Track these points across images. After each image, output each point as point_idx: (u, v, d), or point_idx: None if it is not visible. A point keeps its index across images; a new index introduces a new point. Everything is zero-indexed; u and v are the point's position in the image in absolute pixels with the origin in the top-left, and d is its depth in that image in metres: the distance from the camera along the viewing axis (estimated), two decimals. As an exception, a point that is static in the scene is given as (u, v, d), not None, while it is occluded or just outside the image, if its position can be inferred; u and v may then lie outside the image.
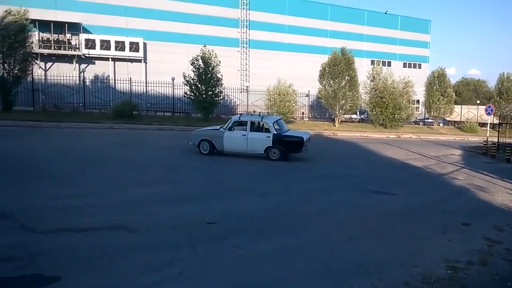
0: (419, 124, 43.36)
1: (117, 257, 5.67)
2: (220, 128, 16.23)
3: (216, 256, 5.92)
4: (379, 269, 5.78)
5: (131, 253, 5.85)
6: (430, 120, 42.79)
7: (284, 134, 15.56)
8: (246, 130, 15.44)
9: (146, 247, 6.13)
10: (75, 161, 13.18)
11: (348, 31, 51.14)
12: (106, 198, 8.90)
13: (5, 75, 25.58)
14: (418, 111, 46.13)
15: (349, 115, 39.35)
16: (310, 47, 48.51)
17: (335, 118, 35.28)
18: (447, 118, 43.78)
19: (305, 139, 15.36)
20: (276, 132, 15.28)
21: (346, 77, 33.50)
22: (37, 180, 10.29)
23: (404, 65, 57.21)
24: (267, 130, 15.37)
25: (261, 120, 15.68)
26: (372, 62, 48.03)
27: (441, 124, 43.08)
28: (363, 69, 39.43)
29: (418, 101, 45.91)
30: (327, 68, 33.89)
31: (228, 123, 16.03)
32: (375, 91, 34.79)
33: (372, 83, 35.21)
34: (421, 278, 5.55)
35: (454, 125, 44.52)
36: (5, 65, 25.58)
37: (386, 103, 33.91)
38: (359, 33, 52.77)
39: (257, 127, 15.62)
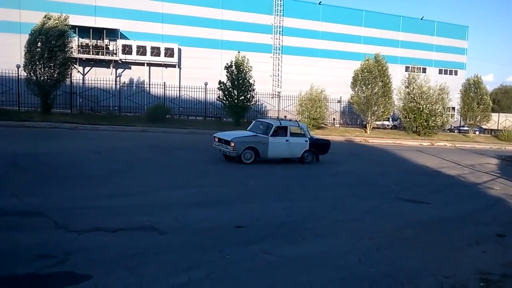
0: (454, 132, 42.26)
1: (146, 258, 5.78)
2: (257, 134, 15.59)
3: (243, 260, 5.95)
4: (409, 279, 5.66)
5: (160, 254, 5.95)
6: (465, 128, 41.57)
7: (316, 138, 17.45)
8: (287, 136, 15.67)
9: (174, 249, 6.23)
10: (109, 163, 13.54)
11: (383, 37, 50.46)
12: (137, 200, 9.08)
13: (46, 79, 26.51)
14: (453, 118, 44.93)
15: (381, 122, 38.77)
16: (343, 53, 48.13)
17: (367, 124, 34.83)
18: (484, 126, 42.38)
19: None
20: (310, 136, 16.43)
21: (380, 83, 33.04)
22: (72, 180, 10.60)
23: (440, 72, 55.89)
24: (303, 135, 16.17)
25: (299, 126, 16.80)
26: (407, 69, 47.19)
27: (477, 132, 41.80)
28: (397, 75, 38.87)
29: (453, 108, 44.74)
30: (360, 74, 33.54)
31: (268, 129, 15.53)
32: (409, 97, 34.16)
33: (407, 89, 34.60)
34: (453, 290, 5.41)
35: (491, 134, 43.12)
36: (46, 69, 26.50)
37: (421, 109, 33.24)
38: (394, 39, 51.98)
39: (297, 133, 16.22)
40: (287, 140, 15.57)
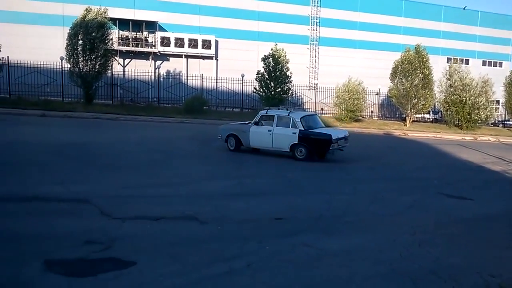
0: (498, 126, 40.67)
1: (188, 247, 5.90)
2: (248, 123, 15.31)
3: (283, 252, 5.96)
4: (453, 276, 5.52)
5: (201, 244, 6.06)
6: (510, 122, 39.97)
7: (311, 131, 14.15)
8: (272, 125, 14.37)
9: (215, 239, 6.32)
10: (150, 153, 13.86)
11: (423, 27, 48.96)
12: (178, 189, 9.28)
13: (88, 70, 27.31)
14: (498, 112, 43.21)
15: (422, 115, 37.79)
16: (382, 44, 47.08)
17: (406, 117, 34.03)
18: (531, 120, 40.67)
19: (334, 138, 13.90)
20: (303, 128, 13.98)
21: (420, 75, 32.14)
22: (115, 169, 10.94)
23: (484, 63, 53.79)
24: (294, 126, 14.07)
25: (288, 115, 14.36)
26: (448, 60, 45.65)
27: (523, 127, 40.13)
28: (438, 66, 37.65)
29: (497, 102, 43.03)
30: (399, 66, 32.74)
31: (256, 117, 15.07)
32: (451, 89, 33.11)
33: (448, 82, 33.54)
34: (499, 289, 5.25)
35: (539, 128, 41.26)
36: (88, 60, 27.28)
37: (463, 102, 32.16)
38: (435, 29, 50.34)
39: (284, 122, 14.35)
40: (269, 130, 14.30)
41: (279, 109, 16.06)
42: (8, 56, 26.97)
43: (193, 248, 5.87)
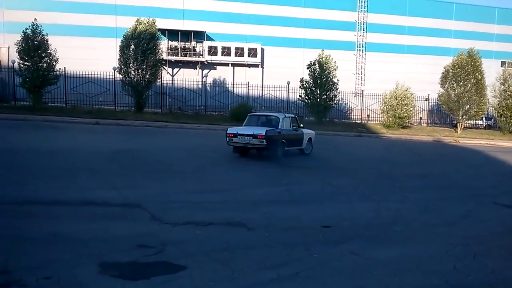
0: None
1: (236, 253, 5.97)
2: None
3: (331, 260, 5.92)
4: (511, 290, 5.29)
5: (249, 250, 6.12)
6: None
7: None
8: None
9: (262, 245, 6.36)
10: (197, 159, 14.17)
11: (475, 30, 47.08)
12: (225, 196, 9.42)
13: (139, 80, 28.28)
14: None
15: (474, 121, 36.32)
16: (431, 49, 45.68)
17: (457, 124, 32.83)
18: None
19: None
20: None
21: (472, 80, 30.97)
22: (164, 175, 11.25)
23: (541, 67, 51.03)
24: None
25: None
26: (502, 64, 43.75)
27: None
28: (491, 71, 36.09)
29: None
30: (450, 71, 31.71)
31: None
32: (505, 94, 31.65)
33: (503, 86, 32.09)
34: (562, 305, 4.97)
35: None
36: (139, 70, 28.27)
37: (519, 107, 30.66)
38: (488, 32, 48.27)
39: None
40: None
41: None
42: (65, 67, 28.36)
43: (241, 254, 5.94)
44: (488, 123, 38.94)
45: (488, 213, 9.41)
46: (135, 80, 28.14)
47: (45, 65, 25.75)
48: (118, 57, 28.61)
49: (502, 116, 32.16)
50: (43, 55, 25.66)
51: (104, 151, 14.45)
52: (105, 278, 4.98)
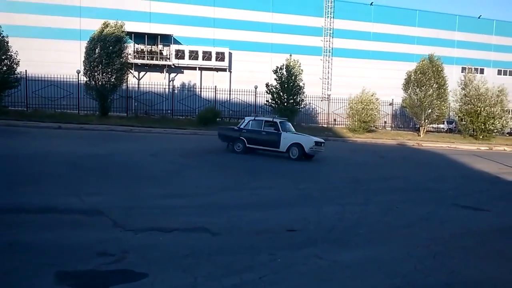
0: (514, 136, 40.07)
1: (200, 259, 5.90)
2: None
3: (295, 264, 5.93)
4: (469, 289, 5.44)
5: (213, 255, 6.05)
6: (528, 132, 39.35)
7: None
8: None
9: (227, 250, 6.31)
10: (164, 164, 13.98)
11: (438, 37, 48.66)
12: (191, 201, 9.31)
13: (104, 84, 27.73)
14: (514, 121, 42.60)
15: (436, 125, 37.44)
16: (396, 54, 46.91)
17: (420, 127, 33.76)
18: (547, 130, 39.99)
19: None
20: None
21: (434, 85, 31.96)
22: (129, 181, 11.02)
23: (499, 72, 53.13)
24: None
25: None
26: (463, 69, 45.25)
27: (540, 136, 39.43)
28: (452, 76, 37.38)
29: (514, 111, 42.44)
30: (413, 76, 32.65)
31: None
32: (465, 99, 32.78)
33: (463, 91, 33.24)
34: (516, 303, 5.14)
35: (556, 138, 40.49)
36: (104, 74, 27.73)
37: (478, 112, 31.78)
38: (450, 39, 49.99)
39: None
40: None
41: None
42: (26, 70, 27.53)
43: (205, 260, 5.87)
44: (450, 127, 40.22)
45: (449, 215, 9.67)
46: (100, 83, 27.62)
47: (5, 68, 24.92)
48: (83, 59, 27.98)
49: (463, 120, 33.28)
50: (3, 57, 24.85)
51: (67, 156, 14.05)
52: (61, 288, 4.83)
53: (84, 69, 27.71)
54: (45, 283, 4.87)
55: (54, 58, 33.80)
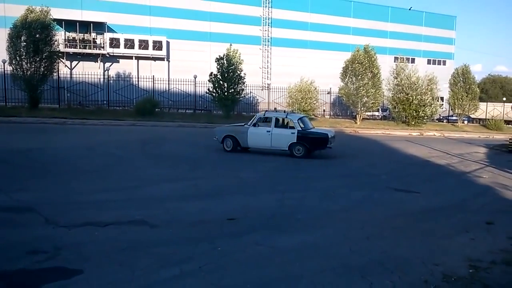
0: (443, 122, 42.61)
1: (137, 252, 5.77)
2: (244, 124, 16.27)
3: (235, 252, 5.96)
4: (399, 267, 5.71)
5: (151, 248, 5.94)
6: (454, 118, 42.00)
7: (309, 131, 15.57)
8: (270, 126, 15.45)
9: (166, 242, 6.22)
10: (100, 157, 13.51)
11: (371, 28, 50.56)
12: (129, 194, 9.06)
13: (32, 73, 26.18)
14: (442, 108, 45.27)
15: (371, 112, 38.96)
16: (333, 44, 48.18)
17: (357, 115, 34.99)
18: (472, 116, 42.89)
19: (329, 136, 15.40)
20: (300, 129, 15.26)
21: (369, 74, 33.16)
22: (62, 175, 10.54)
23: (429, 62, 56.22)
24: (292, 127, 15.41)
25: (286, 117, 15.91)
26: (396, 59, 47.30)
27: (465, 122, 42.24)
28: (386, 66, 38.96)
29: (442, 98, 45.06)
30: (349, 66, 33.65)
31: (252, 119, 16.13)
32: (398, 88, 34.31)
33: (396, 80, 34.75)
34: (442, 277, 5.46)
35: (479, 123, 43.55)
36: (32, 63, 26.18)
37: (410, 100, 33.40)
38: (383, 29, 52.11)
39: (281, 124, 15.81)
40: (268, 131, 15.36)
41: (277, 112, 18.17)
42: None
43: (142, 253, 5.74)
44: (384, 114, 42.02)
45: (382, 198, 10.11)
46: (28, 73, 26.05)
47: None
48: (7, 48, 26.22)
49: (396, 108, 34.81)
50: None
51: (-7, 151, 13.19)
52: (-13, 290, 4.54)
53: (10, 58, 25.97)
54: (-32, 287, 4.56)
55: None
